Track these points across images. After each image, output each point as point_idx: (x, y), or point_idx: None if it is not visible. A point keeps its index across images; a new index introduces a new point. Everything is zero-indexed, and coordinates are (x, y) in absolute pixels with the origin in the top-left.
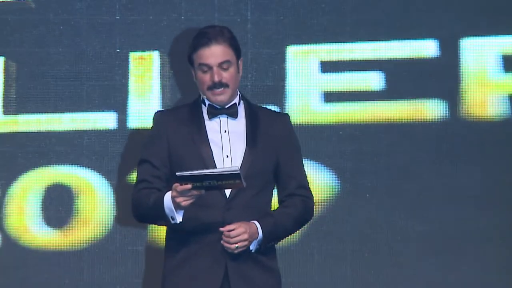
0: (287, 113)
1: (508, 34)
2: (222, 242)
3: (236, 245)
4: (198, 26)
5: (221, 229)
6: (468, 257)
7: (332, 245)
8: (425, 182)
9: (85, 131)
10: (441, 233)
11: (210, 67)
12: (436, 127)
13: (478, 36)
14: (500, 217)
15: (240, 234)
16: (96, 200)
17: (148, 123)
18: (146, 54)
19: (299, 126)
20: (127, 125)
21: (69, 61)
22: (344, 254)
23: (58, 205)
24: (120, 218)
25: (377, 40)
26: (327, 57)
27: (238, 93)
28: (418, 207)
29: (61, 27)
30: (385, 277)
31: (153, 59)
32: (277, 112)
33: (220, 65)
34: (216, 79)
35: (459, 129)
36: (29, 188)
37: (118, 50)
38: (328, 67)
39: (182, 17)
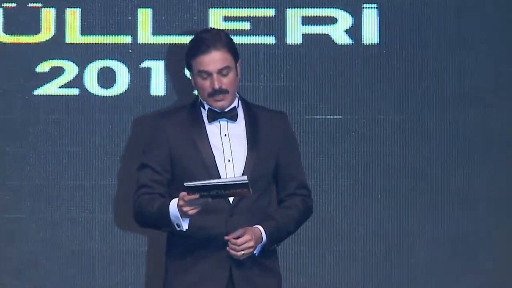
0: (284, 112)
1: None
2: (228, 249)
3: (243, 252)
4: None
5: (227, 237)
6: (482, 258)
7: (344, 246)
8: (437, 182)
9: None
10: (454, 234)
11: (209, 74)
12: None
13: None
14: None
15: (246, 241)
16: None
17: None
18: None
19: (308, 126)
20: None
21: None
22: (355, 255)
23: (71, 206)
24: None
25: None
26: None
27: (237, 95)
28: (430, 207)
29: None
30: (397, 278)
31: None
32: (275, 111)
33: (219, 71)
34: (217, 86)
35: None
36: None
37: (130, 51)
38: None
39: (195, 18)
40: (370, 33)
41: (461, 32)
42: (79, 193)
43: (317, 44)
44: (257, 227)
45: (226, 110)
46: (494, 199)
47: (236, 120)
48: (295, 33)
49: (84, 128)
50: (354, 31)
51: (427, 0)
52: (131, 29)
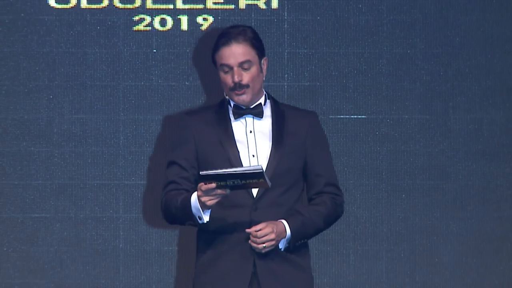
0: (314, 111)
1: None
2: (249, 242)
3: (264, 245)
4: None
5: (248, 230)
6: (506, 257)
7: (368, 245)
8: (461, 182)
9: (121, 131)
10: (478, 233)
11: (230, 67)
12: (473, 127)
13: None
14: None
15: (267, 234)
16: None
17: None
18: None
19: (333, 126)
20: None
21: (105, 61)
22: (380, 255)
23: (95, 205)
24: (156, 218)
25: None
26: None
27: (264, 92)
28: (454, 206)
29: (98, 27)
30: (421, 278)
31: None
32: (305, 110)
33: (240, 65)
34: (236, 79)
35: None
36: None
37: (154, 51)
38: None
39: (219, 18)
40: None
41: (485, 31)
42: (104, 193)
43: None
44: (281, 221)
45: (252, 106)
46: None
47: (262, 117)
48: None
49: (108, 128)
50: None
51: (452, 1)
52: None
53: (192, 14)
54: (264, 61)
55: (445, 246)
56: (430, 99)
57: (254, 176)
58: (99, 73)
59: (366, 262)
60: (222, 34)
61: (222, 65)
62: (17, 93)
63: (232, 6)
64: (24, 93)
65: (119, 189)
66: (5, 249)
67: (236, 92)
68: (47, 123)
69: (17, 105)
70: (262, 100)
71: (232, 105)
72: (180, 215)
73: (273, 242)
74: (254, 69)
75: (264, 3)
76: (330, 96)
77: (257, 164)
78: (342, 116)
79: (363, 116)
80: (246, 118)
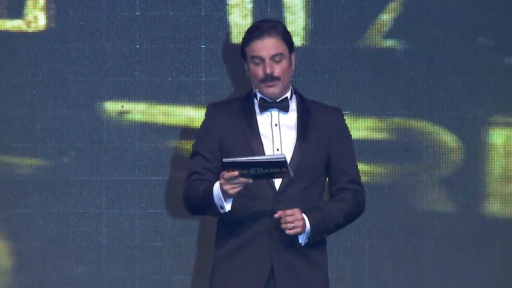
0: (340, 108)
1: None
2: (281, 221)
3: (293, 224)
4: (217, 22)
5: (276, 215)
6: (488, 253)
7: (351, 241)
8: (444, 178)
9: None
10: (461, 229)
11: (262, 60)
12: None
13: None
14: None
15: (295, 213)
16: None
17: None
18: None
19: None
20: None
21: (88, 57)
22: (363, 250)
23: (77, 201)
24: (138, 214)
25: None
26: None
27: (291, 87)
28: (438, 202)
29: (81, 23)
30: (404, 273)
31: None
32: (330, 106)
33: (272, 57)
34: (268, 71)
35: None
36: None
37: (137, 46)
38: None
39: (202, 13)
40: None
41: (469, 27)
42: (86, 189)
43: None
44: (302, 215)
45: (278, 100)
46: (504, 193)
47: (287, 111)
48: None
49: (91, 124)
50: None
51: None
52: None
53: (177, 10)
54: (293, 56)
55: (428, 242)
56: (413, 95)
57: (277, 165)
58: (82, 68)
59: (349, 257)
60: (253, 28)
61: (254, 57)
62: (0, 89)
63: (219, 3)
64: (7, 89)
65: (102, 185)
66: None
67: (267, 83)
68: (30, 118)
69: (0, 101)
70: (288, 95)
71: (258, 98)
72: (202, 205)
73: (300, 223)
74: (284, 63)
75: None
76: (313, 92)
77: (280, 153)
78: None
79: (346, 112)
80: (272, 111)
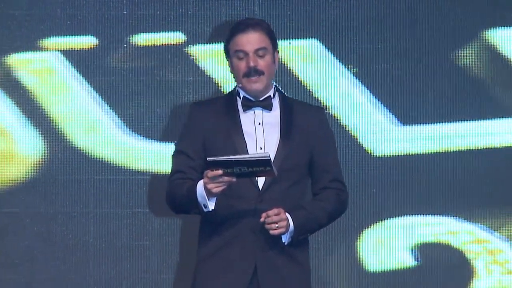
0: (322, 106)
1: None
2: (265, 223)
3: (277, 224)
4: (205, 21)
5: (262, 218)
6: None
7: (338, 240)
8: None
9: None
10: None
11: (246, 53)
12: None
13: None
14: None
15: (280, 213)
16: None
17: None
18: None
19: None
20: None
21: (76, 56)
22: (350, 249)
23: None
24: (125, 213)
25: None
26: None
27: (274, 85)
28: (422, 201)
29: (68, 22)
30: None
31: None
32: (312, 105)
33: (256, 51)
34: (252, 64)
35: None
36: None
37: (125, 45)
38: None
39: (189, 12)
40: None
41: (455, 27)
42: (74, 188)
43: None
44: (285, 214)
45: (261, 99)
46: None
47: (270, 109)
48: None
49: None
50: None
51: None
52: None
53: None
54: (276, 53)
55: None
56: (400, 94)
57: (261, 164)
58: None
59: (336, 256)
60: (237, 23)
61: (238, 51)
62: None
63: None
64: None
65: (89, 184)
66: None
67: (251, 78)
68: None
69: None
70: (271, 93)
71: (241, 97)
72: (185, 203)
73: (284, 223)
74: (268, 58)
75: None
76: (300, 91)
77: (264, 152)
78: None
79: (333, 111)
80: (255, 110)
